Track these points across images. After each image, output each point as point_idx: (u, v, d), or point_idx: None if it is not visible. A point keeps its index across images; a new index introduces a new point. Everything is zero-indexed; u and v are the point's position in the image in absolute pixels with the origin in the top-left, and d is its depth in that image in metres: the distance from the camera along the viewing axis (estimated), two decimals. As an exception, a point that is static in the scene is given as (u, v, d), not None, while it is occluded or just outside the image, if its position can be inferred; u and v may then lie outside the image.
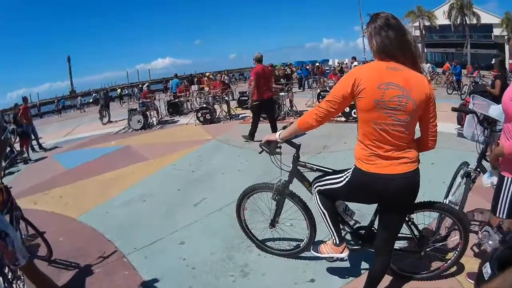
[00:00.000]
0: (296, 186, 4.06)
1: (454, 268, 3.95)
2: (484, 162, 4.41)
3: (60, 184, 8.73)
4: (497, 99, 7.57)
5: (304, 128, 3.24)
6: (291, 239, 4.60)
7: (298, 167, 3.98)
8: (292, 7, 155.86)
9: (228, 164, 8.87)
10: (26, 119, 14.06)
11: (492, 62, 28.63)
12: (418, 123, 3.00)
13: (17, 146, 13.59)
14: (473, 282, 3.78)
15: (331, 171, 3.70)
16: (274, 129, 10.86)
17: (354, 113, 12.71)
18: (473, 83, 21.10)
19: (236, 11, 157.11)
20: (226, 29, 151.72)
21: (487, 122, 4.42)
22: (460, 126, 10.48)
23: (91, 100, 43.01)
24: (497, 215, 3.38)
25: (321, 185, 3.51)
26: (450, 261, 3.86)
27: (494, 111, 4.57)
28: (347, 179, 3.20)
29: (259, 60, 11.12)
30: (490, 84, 11.05)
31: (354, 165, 3.09)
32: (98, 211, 6.50)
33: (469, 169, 4.54)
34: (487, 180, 3.49)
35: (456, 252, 3.80)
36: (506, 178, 3.25)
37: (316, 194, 3.58)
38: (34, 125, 14.87)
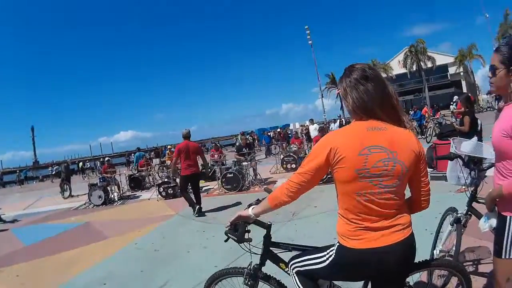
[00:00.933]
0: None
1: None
2: (474, 204, 4.21)
3: (17, 261, 8.20)
4: (467, 136, 7.53)
5: (275, 205, 2.78)
6: None
7: (271, 248, 3.50)
8: (251, 77, 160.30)
9: (192, 240, 8.41)
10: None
11: (453, 101, 29.34)
12: (408, 184, 2.66)
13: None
14: None
15: (310, 249, 3.21)
16: (198, 202, 11.10)
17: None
18: (437, 124, 21.42)
19: (195, 84, 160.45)
20: (187, 102, 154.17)
21: (473, 163, 4.27)
22: (431, 170, 10.39)
23: (53, 173, 42.20)
24: (504, 257, 3.01)
25: (300, 266, 2.99)
26: None
27: (467, 147, 4.49)
28: (331, 259, 2.73)
29: (185, 136, 11.42)
30: (459, 122, 11.03)
31: (338, 242, 2.66)
32: None
33: (459, 214, 4.31)
34: (485, 225, 3.17)
35: None
36: (508, 218, 2.93)
37: (295, 275, 3.03)
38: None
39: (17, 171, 46.90)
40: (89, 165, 43.35)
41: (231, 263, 6.18)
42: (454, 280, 3.62)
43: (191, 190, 11.92)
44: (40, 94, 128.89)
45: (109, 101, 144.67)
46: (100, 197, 15.52)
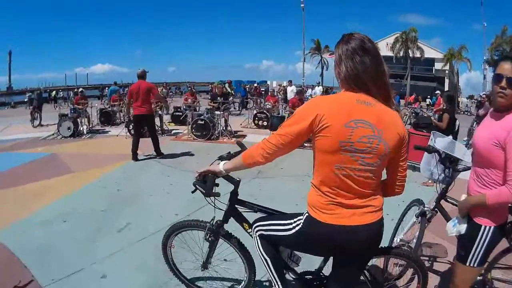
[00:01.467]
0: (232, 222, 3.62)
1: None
2: (442, 202, 4.24)
3: (-24, 191, 7.93)
4: (443, 133, 7.63)
5: (248, 163, 2.66)
6: (226, 280, 4.18)
7: (236, 206, 3.46)
8: (234, 26, 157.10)
9: (156, 184, 8.41)
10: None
11: (436, 94, 29.46)
12: (386, 166, 2.60)
13: None
14: None
15: (276, 213, 3.21)
16: (155, 147, 11.26)
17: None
18: (413, 113, 21.54)
19: (176, 25, 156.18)
20: (167, 41, 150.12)
21: (449, 161, 4.25)
22: None
23: (26, 99, 41.20)
24: (467, 265, 3.02)
25: (264, 230, 2.95)
26: None
27: (440, 142, 4.47)
28: (298, 228, 2.66)
29: (139, 76, 10.99)
30: (437, 117, 11.08)
31: (307, 212, 2.58)
32: (15, 229, 5.83)
33: (425, 208, 4.31)
34: (453, 229, 3.10)
35: None
36: (483, 227, 2.90)
37: (258, 238, 3.00)
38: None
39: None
40: (62, 95, 42.52)
41: (192, 213, 6.23)
42: (409, 272, 3.67)
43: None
44: (19, 18, 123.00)
45: (88, 32, 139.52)
46: (69, 128, 15.26)
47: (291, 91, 23.70)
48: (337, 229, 2.43)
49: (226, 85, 27.33)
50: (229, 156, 3.31)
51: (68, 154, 11.82)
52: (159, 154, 11.19)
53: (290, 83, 28.62)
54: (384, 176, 2.68)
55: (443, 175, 4.27)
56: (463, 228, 3.03)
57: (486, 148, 2.82)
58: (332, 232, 2.45)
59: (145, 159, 11.15)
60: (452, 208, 4.00)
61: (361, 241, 2.47)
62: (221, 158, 3.27)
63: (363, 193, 2.46)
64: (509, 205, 3.14)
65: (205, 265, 3.83)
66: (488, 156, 2.82)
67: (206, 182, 3.11)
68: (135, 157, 10.79)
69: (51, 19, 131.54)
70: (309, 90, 32.19)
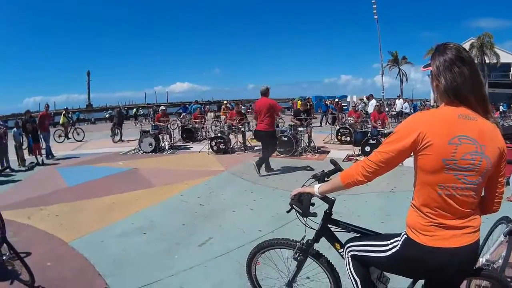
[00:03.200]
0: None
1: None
2: None
3: (58, 201, 8.36)
4: None
5: (348, 183, 2.60)
6: None
7: (329, 225, 3.36)
8: (311, 41, 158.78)
9: (239, 200, 8.32)
10: (43, 127, 14.49)
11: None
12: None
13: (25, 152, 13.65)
14: None
15: (371, 233, 3.11)
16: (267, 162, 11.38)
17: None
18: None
19: (254, 42, 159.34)
20: (244, 60, 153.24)
21: None
22: None
23: (106, 116, 42.90)
24: None
25: (357, 250, 2.89)
26: None
27: None
28: (395, 250, 2.58)
29: (262, 93, 11.39)
30: None
31: (405, 234, 2.52)
32: (92, 238, 6.00)
33: None
34: None
35: None
36: None
37: (350, 258, 2.95)
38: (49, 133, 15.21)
39: (70, 112, 47.71)
40: (142, 112, 44.10)
41: (276, 230, 6.15)
42: None
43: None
44: (99, 38, 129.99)
45: (167, 51, 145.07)
46: (150, 144, 15.70)
47: (371, 105, 23.29)
48: (436, 251, 2.37)
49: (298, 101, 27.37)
50: (323, 175, 3.28)
51: (149, 169, 12.14)
52: (268, 170, 11.32)
53: (371, 97, 28.21)
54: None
55: None
56: None
57: None
58: (430, 254, 2.39)
59: (228, 175, 11.16)
60: None
61: (458, 263, 2.39)
62: (315, 177, 3.26)
63: (464, 213, 2.37)
64: None
65: (290, 284, 3.73)
66: None
67: (302, 202, 3.07)
68: (265, 167, 11.25)
69: (127, 39, 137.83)
70: (397, 101, 31.79)
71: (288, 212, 3.18)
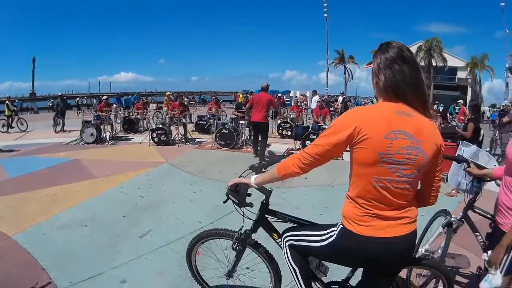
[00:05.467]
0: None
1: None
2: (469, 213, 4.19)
3: (1, 193, 8.01)
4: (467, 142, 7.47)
5: (284, 174, 2.63)
6: None
7: (266, 216, 3.40)
8: (258, 36, 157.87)
9: (179, 192, 8.32)
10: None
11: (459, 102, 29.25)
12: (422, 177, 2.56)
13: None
14: None
15: (307, 224, 3.15)
16: (256, 152, 12.39)
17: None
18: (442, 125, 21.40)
19: (201, 34, 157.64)
20: (190, 51, 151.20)
21: None
22: None
23: (49, 105, 41.61)
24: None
25: (295, 240, 2.93)
26: None
27: (467, 151, 4.52)
28: (331, 240, 2.63)
29: (263, 88, 12.67)
30: (462, 126, 11.10)
31: (341, 224, 2.56)
32: (35, 232, 5.84)
33: (452, 219, 4.25)
34: (487, 285, 2.96)
35: None
36: None
37: (288, 248, 2.98)
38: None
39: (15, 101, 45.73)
40: (85, 102, 42.99)
41: (215, 221, 6.19)
42: (432, 283, 3.63)
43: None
44: (43, 27, 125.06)
45: (112, 41, 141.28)
46: (92, 135, 15.38)
47: (314, 101, 23.60)
48: (372, 241, 2.41)
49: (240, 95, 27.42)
50: (261, 166, 3.30)
51: (90, 160, 11.89)
52: (261, 157, 11.82)
53: (314, 93, 28.57)
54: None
55: (471, 184, 4.23)
56: (498, 281, 2.93)
57: None
58: (366, 244, 2.43)
59: (169, 167, 11.13)
60: (476, 218, 4.08)
61: (395, 252, 2.46)
62: (252, 168, 3.29)
63: (400, 204, 2.43)
64: None
65: (230, 274, 3.77)
66: None
67: (238, 192, 3.10)
68: (256, 153, 12.42)
69: (74, 28, 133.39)
70: (340, 98, 32.32)
71: (224, 202, 3.22)
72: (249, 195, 3.14)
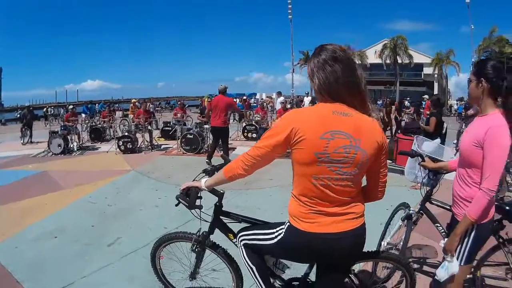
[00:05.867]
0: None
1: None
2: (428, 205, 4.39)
3: (-32, 208, 7.98)
4: (430, 136, 7.81)
5: (230, 177, 2.73)
6: None
7: (221, 217, 3.55)
8: (223, 39, 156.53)
9: (146, 199, 8.55)
10: None
11: (424, 98, 29.41)
12: (366, 173, 2.62)
13: None
14: None
15: (260, 223, 3.25)
16: (209, 158, 11.78)
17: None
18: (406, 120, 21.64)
19: (167, 40, 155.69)
20: (156, 57, 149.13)
21: None
22: (390, 161, 10.65)
23: (17, 116, 40.66)
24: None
25: (248, 239, 3.01)
26: None
27: (428, 147, 4.73)
28: (279, 238, 2.72)
29: (221, 91, 12.19)
30: (425, 121, 11.34)
31: (288, 222, 2.63)
32: (7, 245, 5.97)
33: (411, 211, 4.43)
34: (445, 273, 3.08)
35: None
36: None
37: (242, 247, 3.05)
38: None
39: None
40: (52, 112, 42.22)
41: (181, 226, 6.34)
42: (398, 274, 3.79)
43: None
44: (8, 36, 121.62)
45: (79, 49, 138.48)
46: (59, 145, 15.27)
47: (279, 103, 23.81)
48: (318, 237, 2.48)
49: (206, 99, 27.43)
50: (213, 169, 3.45)
51: (58, 171, 11.89)
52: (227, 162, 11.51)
53: (279, 94, 28.76)
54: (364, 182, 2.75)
55: (427, 177, 4.36)
56: (455, 268, 3.06)
57: (467, 149, 3.00)
58: (313, 240, 2.50)
59: (135, 174, 11.32)
60: (438, 210, 4.21)
61: (342, 247, 2.52)
62: (205, 171, 3.44)
63: (343, 201, 2.49)
64: (496, 203, 3.34)
65: (193, 276, 3.92)
66: (469, 157, 2.99)
67: (189, 195, 3.22)
68: (209, 158, 11.74)
69: (39, 35, 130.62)
70: (305, 98, 32.42)
71: (176, 205, 3.30)
72: (200, 198, 3.26)
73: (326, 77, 2.40)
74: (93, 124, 19.99)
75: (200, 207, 3.30)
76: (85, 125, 19.66)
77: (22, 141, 18.96)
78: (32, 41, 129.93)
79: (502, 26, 55.47)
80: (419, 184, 4.52)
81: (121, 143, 15.09)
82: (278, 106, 22.69)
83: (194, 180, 3.33)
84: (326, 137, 2.32)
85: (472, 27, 52.48)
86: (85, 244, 6.00)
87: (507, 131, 2.82)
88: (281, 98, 24.83)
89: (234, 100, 35.04)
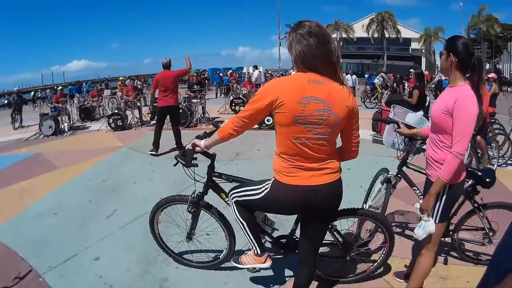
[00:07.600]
0: (212, 195, 3.97)
1: (381, 269, 4.06)
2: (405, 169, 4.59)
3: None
4: (413, 108, 7.97)
5: (223, 137, 3.05)
6: (209, 251, 4.53)
7: (213, 178, 3.85)
8: (209, 13, 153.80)
9: (139, 173, 8.67)
10: None
11: (411, 72, 29.51)
12: (340, 134, 2.93)
13: None
14: (401, 280, 3.96)
15: (248, 181, 3.58)
16: (178, 138, 10.57)
17: (268, 120, 12.85)
18: (389, 93, 21.70)
19: (152, 15, 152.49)
20: (142, 33, 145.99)
21: None
22: (375, 133, 10.99)
23: (5, 102, 39.83)
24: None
25: (238, 196, 3.28)
26: (376, 263, 3.96)
27: (411, 118, 4.90)
28: (265, 192, 3.02)
29: (165, 65, 10.45)
30: (408, 94, 11.61)
31: (273, 177, 2.95)
32: (9, 226, 6.01)
33: (389, 175, 4.64)
34: (422, 232, 3.25)
35: (382, 254, 3.89)
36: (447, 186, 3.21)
37: (234, 205, 3.34)
38: None
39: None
40: (40, 95, 41.65)
41: None
42: (379, 237, 3.93)
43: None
44: None
45: (62, 28, 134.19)
46: (50, 127, 15.17)
47: (254, 76, 23.91)
48: (299, 189, 2.78)
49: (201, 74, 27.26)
50: (205, 135, 3.64)
51: (52, 152, 11.86)
52: (180, 146, 10.10)
53: (255, 68, 28.72)
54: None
55: (403, 143, 4.61)
56: (432, 227, 3.24)
57: (438, 116, 3.19)
58: (294, 192, 2.80)
59: (127, 150, 11.43)
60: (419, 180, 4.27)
61: (320, 199, 2.80)
62: (198, 137, 3.60)
63: (320, 157, 2.77)
64: (469, 169, 3.62)
65: (189, 236, 4.20)
66: (440, 123, 3.18)
67: (186, 156, 3.54)
68: (156, 149, 10.36)
69: (22, 18, 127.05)
70: (291, 71, 32.42)
71: (174, 165, 3.66)
72: (195, 158, 3.60)
73: (302, 50, 2.66)
74: (82, 104, 19.85)
75: (195, 165, 3.64)
76: (76, 106, 19.54)
77: (13, 126, 18.81)
78: (14, 25, 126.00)
79: (492, 6, 55.19)
80: (402, 154, 4.65)
81: (111, 120, 15.07)
82: (252, 79, 23.10)
83: (186, 145, 3.59)
84: (303, 102, 2.61)
85: (461, 5, 52.53)
86: (84, 218, 6.09)
87: (475, 101, 3.01)
88: (256, 71, 24.93)
89: (220, 74, 34.99)
